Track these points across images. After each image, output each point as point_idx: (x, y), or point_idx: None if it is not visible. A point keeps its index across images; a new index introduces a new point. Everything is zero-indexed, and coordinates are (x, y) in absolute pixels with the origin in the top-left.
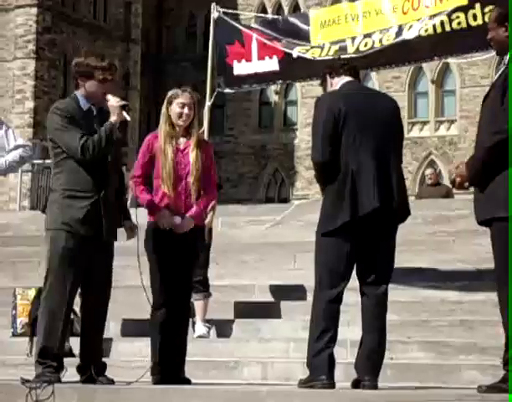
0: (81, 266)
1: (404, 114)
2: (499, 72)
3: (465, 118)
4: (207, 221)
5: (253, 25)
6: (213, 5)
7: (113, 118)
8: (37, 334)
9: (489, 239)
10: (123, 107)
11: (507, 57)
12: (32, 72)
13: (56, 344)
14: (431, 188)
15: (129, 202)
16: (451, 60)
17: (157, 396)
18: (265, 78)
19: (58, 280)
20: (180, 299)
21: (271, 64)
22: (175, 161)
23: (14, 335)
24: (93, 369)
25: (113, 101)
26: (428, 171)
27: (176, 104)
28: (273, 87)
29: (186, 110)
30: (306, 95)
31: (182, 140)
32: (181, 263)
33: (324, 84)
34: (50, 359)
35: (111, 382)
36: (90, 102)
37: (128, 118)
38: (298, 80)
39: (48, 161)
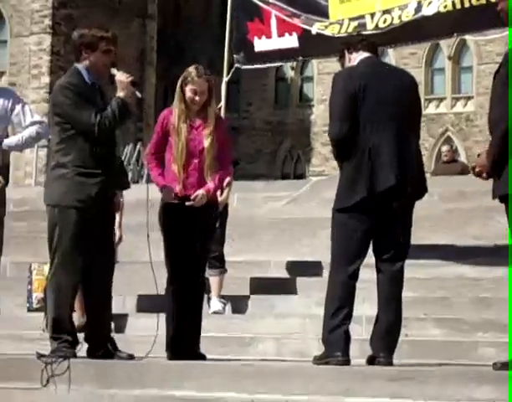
0: (89, 242)
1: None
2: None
3: (482, 95)
4: (222, 197)
5: (272, 1)
6: None
7: (121, 93)
8: (47, 311)
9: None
10: (133, 84)
11: None
12: (48, 47)
13: (67, 319)
14: (446, 165)
15: (145, 178)
16: (468, 37)
17: (173, 371)
18: (285, 54)
19: (68, 257)
20: (194, 274)
21: (291, 41)
22: (188, 139)
23: (30, 310)
24: (109, 345)
25: (121, 76)
26: (444, 148)
27: (189, 89)
28: (289, 63)
29: (197, 97)
30: (322, 71)
31: (197, 117)
32: (194, 238)
33: (342, 60)
34: (64, 334)
35: (131, 357)
36: (93, 75)
37: (139, 95)
38: (317, 57)
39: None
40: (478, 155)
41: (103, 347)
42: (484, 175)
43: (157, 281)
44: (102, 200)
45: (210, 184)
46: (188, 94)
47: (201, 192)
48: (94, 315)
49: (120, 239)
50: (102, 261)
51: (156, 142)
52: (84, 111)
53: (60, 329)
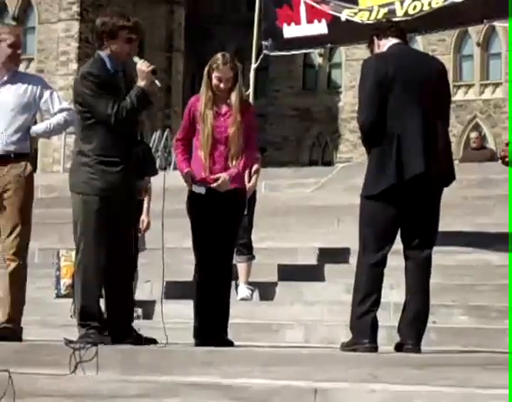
0: (112, 229)
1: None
2: None
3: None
4: (251, 184)
5: None
6: None
7: (142, 83)
8: (75, 297)
9: None
10: (153, 72)
11: None
12: (76, 34)
13: (95, 305)
14: (475, 152)
15: (172, 165)
16: (497, 23)
17: (199, 358)
18: (314, 41)
19: (93, 244)
20: (222, 261)
21: (320, 28)
22: (214, 125)
23: (58, 296)
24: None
25: (142, 66)
26: (473, 134)
27: (215, 77)
28: (317, 50)
29: (222, 84)
30: (351, 57)
31: (224, 104)
32: (222, 225)
33: (371, 46)
34: (91, 320)
35: (153, 341)
36: (116, 63)
37: (158, 84)
38: (346, 44)
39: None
40: (507, 144)
41: (124, 337)
42: (506, 159)
43: (185, 268)
44: (125, 188)
45: (233, 169)
46: (214, 81)
47: (223, 175)
48: (113, 304)
49: (148, 225)
50: (124, 249)
51: (184, 129)
52: (102, 101)
53: (88, 316)
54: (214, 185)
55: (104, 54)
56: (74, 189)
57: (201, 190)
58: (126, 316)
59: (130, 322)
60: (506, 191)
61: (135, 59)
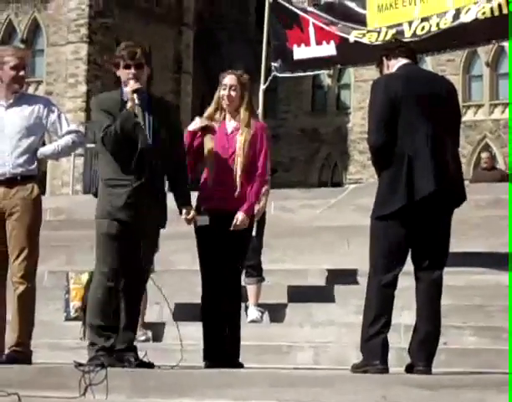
0: (124, 251)
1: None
2: None
3: None
4: (260, 206)
5: (309, 9)
6: None
7: (128, 105)
8: (86, 318)
9: None
10: (135, 91)
11: None
12: (84, 56)
13: (106, 329)
14: (486, 173)
15: None
16: (506, 43)
17: (210, 380)
18: (323, 63)
19: (103, 264)
20: (230, 283)
21: (329, 49)
22: (219, 145)
23: (68, 319)
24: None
25: (128, 87)
26: (484, 154)
27: (221, 86)
28: (326, 71)
29: (226, 91)
30: (359, 78)
31: (231, 123)
32: (228, 247)
33: (380, 66)
34: (101, 339)
35: (151, 366)
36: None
37: (136, 101)
38: (355, 65)
39: None
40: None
41: (124, 356)
42: None
43: (196, 290)
44: (133, 210)
45: (247, 204)
46: (221, 92)
47: (240, 217)
48: (126, 322)
49: (157, 248)
50: (134, 272)
51: (190, 151)
52: (98, 125)
53: (97, 335)
54: (232, 228)
55: (122, 84)
56: (95, 215)
57: (205, 222)
58: (129, 336)
59: (132, 342)
60: None
61: (130, 82)
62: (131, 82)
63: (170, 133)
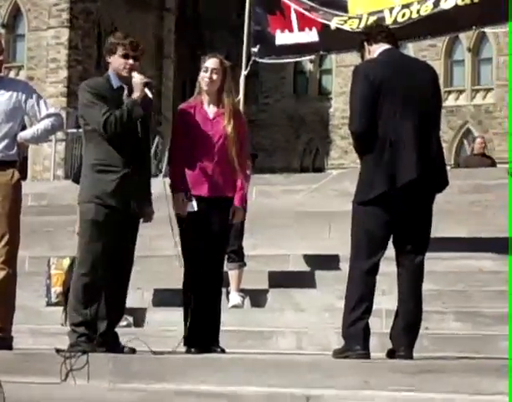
0: (110, 238)
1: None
2: None
3: (502, 86)
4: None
5: None
6: None
7: (135, 94)
8: (68, 304)
9: None
10: (146, 84)
11: None
12: (65, 41)
13: (87, 314)
14: (480, 158)
15: (163, 172)
16: (488, 29)
17: (191, 365)
18: (306, 49)
19: (89, 252)
20: (212, 269)
21: (311, 36)
22: (202, 130)
23: (49, 304)
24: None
25: (137, 78)
26: (479, 139)
27: (202, 68)
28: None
29: (208, 73)
30: (341, 63)
31: (212, 108)
32: (212, 234)
33: (361, 51)
34: (82, 327)
35: (133, 351)
36: (118, 79)
37: (150, 95)
38: (337, 51)
39: (81, 130)
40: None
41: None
42: None
43: (174, 275)
44: (121, 197)
45: (239, 195)
46: (201, 73)
47: (238, 212)
48: (109, 309)
49: None
50: (120, 262)
51: (176, 137)
52: (96, 109)
53: (79, 324)
54: (234, 221)
55: (110, 71)
56: (78, 200)
57: (193, 207)
58: (115, 323)
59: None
60: (498, 196)
61: (133, 73)
62: (135, 74)
63: (146, 125)
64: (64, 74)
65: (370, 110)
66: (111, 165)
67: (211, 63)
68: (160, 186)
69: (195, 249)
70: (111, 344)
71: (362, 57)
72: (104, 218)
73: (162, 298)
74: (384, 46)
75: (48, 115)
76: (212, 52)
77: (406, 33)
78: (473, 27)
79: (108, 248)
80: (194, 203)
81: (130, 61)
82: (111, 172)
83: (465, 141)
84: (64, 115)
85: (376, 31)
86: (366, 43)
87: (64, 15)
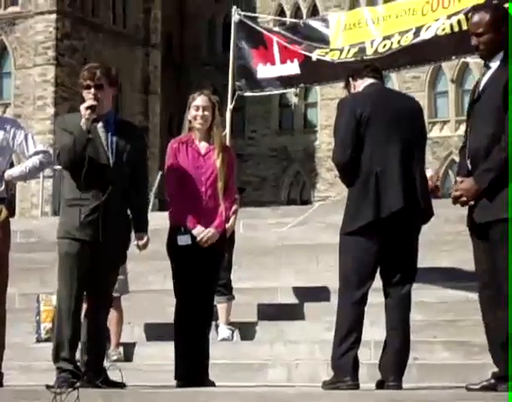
0: (84, 271)
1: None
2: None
3: None
4: (229, 224)
5: (275, 29)
6: (234, 8)
7: (81, 121)
8: (52, 339)
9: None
10: (88, 108)
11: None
12: (52, 78)
13: (66, 347)
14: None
15: (150, 206)
16: (469, 60)
17: (182, 399)
18: (286, 81)
19: (64, 287)
20: (203, 303)
21: (292, 68)
22: (194, 166)
23: (39, 341)
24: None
25: (82, 106)
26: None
27: (192, 107)
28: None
29: (200, 112)
30: (326, 96)
31: (204, 144)
32: (203, 268)
33: (348, 87)
34: (64, 363)
35: (123, 386)
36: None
37: (87, 116)
38: (319, 83)
39: None
40: (456, 182)
41: (100, 376)
42: (471, 202)
43: (165, 309)
44: (90, 228)
45: (218, 220)
46: (192, 112)
47: (211, 231)
48: (91, 343)
49: (125, 269)
50: (99, 292)
51: (172, 174)
52: (57, 142)
53: (60, 359)
54: (203, 239)
55: None
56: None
57: (187, 241)
58: (100, 358)
59: (102, 364)
60: None
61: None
62: (88, 100)
63: (134, 157)
64: (51, 111)
65: (353, 141)
66: (81, 198)
67: (201, 101)
68: (150, 220)
69: (187, 283)
70: (102, 379)
71: (349, 92)
72: (75, 251)
73: (152, 333)
74: (369, 81)
75: (37, 153)
76: (199, 89)
77: (386, 63)
78: (453, 56)
79: (83, 281)
80: (189, 237)
81: (92, 91)
82: (81, 206)
83: (450, 172)
84: (51, 152)
85: (361, 66)
86: (351, 79)
87: (49, 52)
